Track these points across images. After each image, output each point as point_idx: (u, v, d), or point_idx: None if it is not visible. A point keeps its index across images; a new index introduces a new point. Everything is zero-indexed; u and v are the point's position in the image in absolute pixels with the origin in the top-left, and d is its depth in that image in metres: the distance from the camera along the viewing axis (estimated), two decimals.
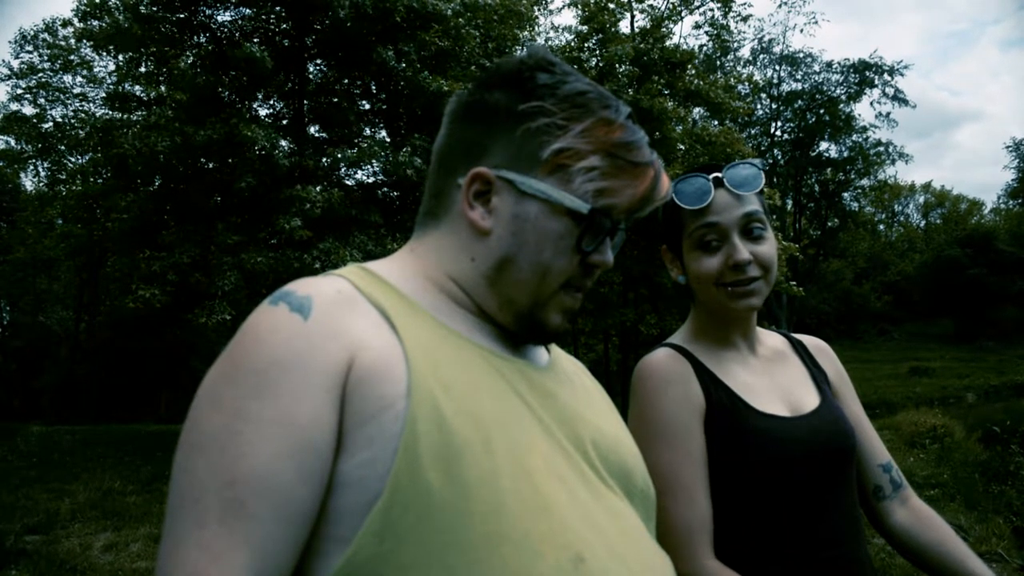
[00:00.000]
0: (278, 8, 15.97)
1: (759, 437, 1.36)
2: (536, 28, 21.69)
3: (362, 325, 0.80)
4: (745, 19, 29.65)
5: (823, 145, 41.78)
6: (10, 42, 27.76)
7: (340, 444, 0.75)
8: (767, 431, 1.37)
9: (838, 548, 1.34)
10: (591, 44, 23.02)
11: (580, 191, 0.90)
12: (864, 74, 39.01)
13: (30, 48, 27.50)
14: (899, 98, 39.52)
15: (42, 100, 26.96)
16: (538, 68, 0.93)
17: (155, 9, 15.54)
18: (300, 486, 0.72)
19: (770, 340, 1.60)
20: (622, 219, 0.95)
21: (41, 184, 28.09)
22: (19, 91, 26.86)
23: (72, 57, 26.87)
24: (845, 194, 43.41)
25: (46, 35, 27.35)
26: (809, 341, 1.64)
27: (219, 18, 16.73)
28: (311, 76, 17.59)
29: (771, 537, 1.33)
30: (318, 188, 14.10)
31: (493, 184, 0.92)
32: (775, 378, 1.49)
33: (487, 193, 0.92)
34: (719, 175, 1.42)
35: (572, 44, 23.56)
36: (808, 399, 1.47)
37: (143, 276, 13.29)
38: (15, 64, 27.60)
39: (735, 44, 35.54)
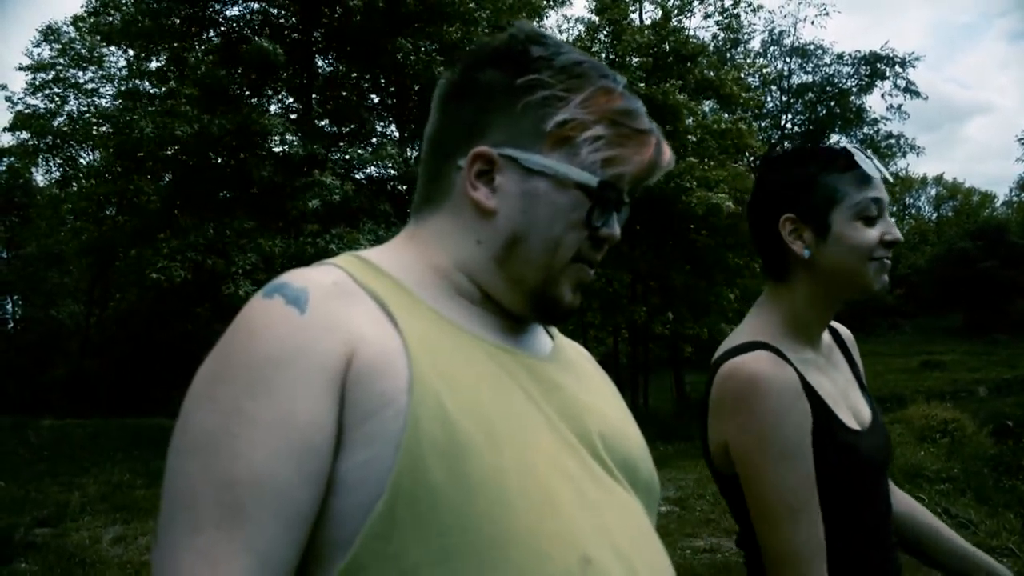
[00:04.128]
0: (286, 1, 16.01)
1: (846, 454, 1.35)
2: (545, 20, 21.67)
3: (360, 318, 0.77)
4: (756, 10, 29.56)
5: (834, 138, 41.46)
6: (37, 30, 27.79)
7: (340, 443, 0.72)
8: (852, 447, 1.36)
9: (893, 549, 1.42)
10: (602, 37, 22.96)
11: (587, 162, 0.88)
12: (875, 66, 38.74)
13: (54, 40, 27.62)
14: (911, 90, 39.24)
15: (55, 95, 27.04)
16: (530, 41, 0.91)
17: (164, 4, 15.59)
18: (299, 487, 0.69)
19: None
20: (627, 189, 0.93)
21: (53, 179, 28.18)
22: (36, 85, 26.94)
23: (83, 51, 26.94)
24: None
25: (71, 30, 27.44)
26: (844, 333, 1.63)
27: (228, 13, 16.81)
28: (319, 70, 17.63)
29: (850, 546, 1.35)
30: (330, 178, 14.21)
31: (496, 163, 0.89)
32: (836, 381, 1.47)
33: (489, 172, 0.90)
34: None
35: (583, 35, 23.52)
36: (862, 408, 1.47)
37: (163, 255, 13.38)
38: (34, 58, 27.71)
39: (745, 36, 35.40)
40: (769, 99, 39.79)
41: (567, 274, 0.91)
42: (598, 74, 0.90)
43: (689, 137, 21.26)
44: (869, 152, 1.43)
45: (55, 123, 26.43)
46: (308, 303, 0.76)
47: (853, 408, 1.44)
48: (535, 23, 19.16)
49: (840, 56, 40.17)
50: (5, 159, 30.75)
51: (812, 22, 61.98)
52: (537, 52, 0.90)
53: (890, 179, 1.43)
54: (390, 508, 0.69)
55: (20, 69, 27.31)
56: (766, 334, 1.42)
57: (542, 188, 0.88)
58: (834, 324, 1.61)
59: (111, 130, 17.01)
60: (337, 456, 0.72)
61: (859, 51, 39.61)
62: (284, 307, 0.75)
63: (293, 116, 17.14)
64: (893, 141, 40.98)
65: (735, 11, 29.14)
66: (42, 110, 26.67)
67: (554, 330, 1.05)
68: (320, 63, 17.89)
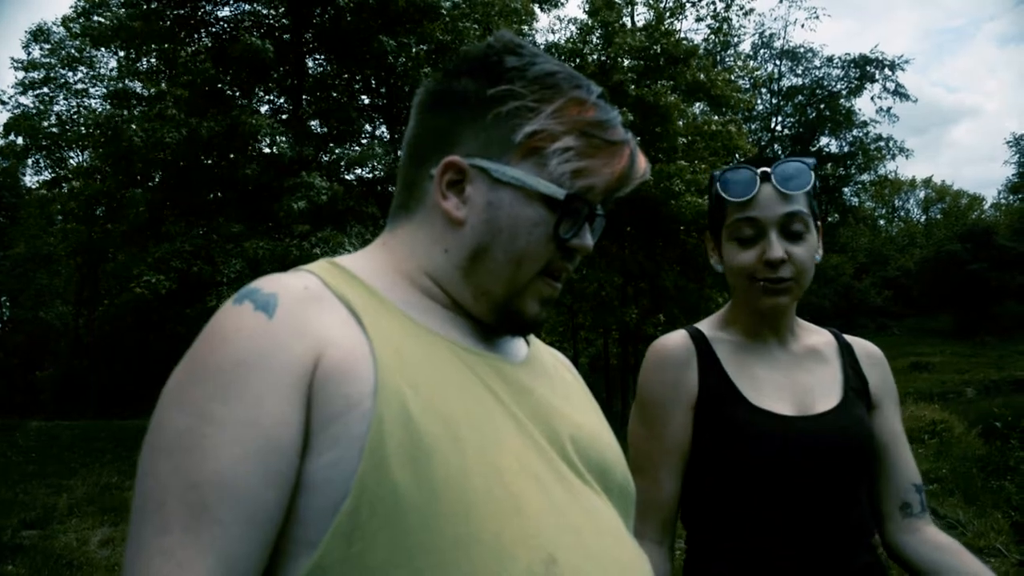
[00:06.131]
0: (276, 1, 16.01)
1: (743, 431, 1.37)
2: (534, 22, 21.66)
3: (329, 322, 0.78)
4: (747, 13, 29.69)
5: (823, 140, 41.83)
6: (27, 31, 27.73)
7: (306, 445, 0.73)
8: (752, 426, 1.36)
9: (817, 550, 1.33)
10: (594, 39, 22.99)
11: (556, 173, 0.87)
12: (864, 69, 39.00)
13: (44, 41, 27.54)
14: (900, 92, 39.50)
15: (44, 95, 26.94)
16: (505, 51, 0.91)
17: (155, 5, 15.57)
18: (266, 489, 0.70)
19: (811, 338, 1.55)
20: (600, 201, 0.93)
21: (43, 180, 28.08)
22: (25, 84, 26.85)
23: (73, 51, 26.86)
24: (845, 189, 43.44)
25: (61, 30, 27.33)
26: (861, 347, 1.57)
27: (219, 13, 16.79)
28: (310, 71, 17.62)
29: (743, 529, 1.35)
30: (318, 179, 14.19)
31: (466, 173, 0.89)
32: (795, 376, 1.46)
33: (460, 182, 0.90)
34: (767, 170, 1.41)
35: (575, 37, 23.55)
36: (824, 401, 1.43)
37: (148, 264, 13.34)
38: (25, 58, 27.63)
39: (736, 39, 35.54)
40: (759, 102, 39.97)
41: (533, 288, 0.92)
42: (571, 84, 0.89)
43: (680, 139, 21.31)
44: (766, 169, 1.40)
45: (45, 124, 26.33)
46: (277, 308, 0.77)
47: (799, 399, 1.42)
48: (523, 27, 19.20)
49: (830, 59, 40.57)
50: None
51: (802, 25, 62.24)
52: (511, 62, 0.90)
53: (784, 191, 1.37)
54: (354, 509, 0.70)
55: (13, 66, 27.32)
56: (708, 322, 1.56)
57: (508, 199, 0.88)
58: (850, 338, 1.58)
59: (100, 133, 16.93)
60: (304, 458, 0.72)
61: (849, 54, 39.99)
62: (253, 312, 0.76)
63: (284, 116, 17.13)
64: (882, 144, 41.24)
65: (727, 14, 29.27)
66: (32, 110, 26.57)
67: (531, 336, 1.05)
68: (310, 64, 17.88)
